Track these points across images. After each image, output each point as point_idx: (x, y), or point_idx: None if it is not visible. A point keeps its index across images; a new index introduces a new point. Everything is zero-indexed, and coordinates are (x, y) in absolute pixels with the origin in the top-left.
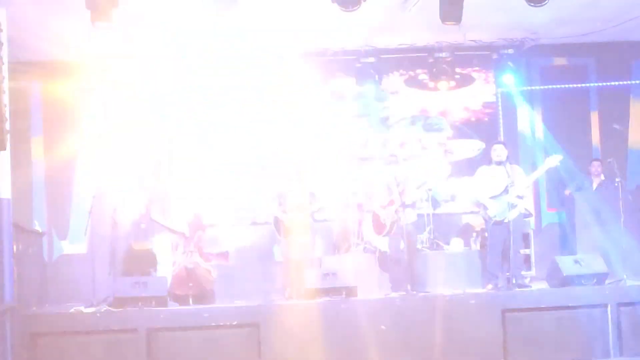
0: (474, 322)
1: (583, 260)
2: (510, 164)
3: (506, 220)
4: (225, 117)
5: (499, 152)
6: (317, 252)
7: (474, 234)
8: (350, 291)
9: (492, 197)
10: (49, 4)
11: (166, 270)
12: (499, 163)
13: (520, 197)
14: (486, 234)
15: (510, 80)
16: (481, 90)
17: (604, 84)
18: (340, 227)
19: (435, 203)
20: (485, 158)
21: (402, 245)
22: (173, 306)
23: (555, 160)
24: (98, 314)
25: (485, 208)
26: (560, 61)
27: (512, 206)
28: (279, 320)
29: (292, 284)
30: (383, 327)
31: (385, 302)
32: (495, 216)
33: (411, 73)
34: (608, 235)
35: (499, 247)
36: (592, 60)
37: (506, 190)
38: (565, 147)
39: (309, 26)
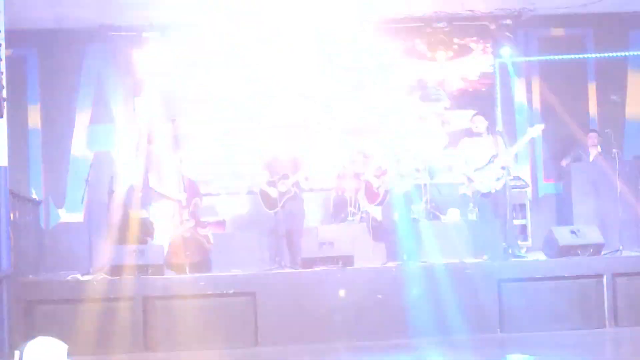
0: (470, 291)
1: (579, 231)
2: (493, 134)
3: (493, 191)
4: (221, 86)
5: (478, 123)
6: (312, 220)
7: (471, 204)
8: (346, 260)
9: (476, 170)
10: None
11: (163, 238)
12: (480, 134)
13: (504, 168)
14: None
15: (507, 51)
16: (479, 61)
17: (602, 55)
18: (337, 196)
19: (432, 173)
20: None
21: (396, 215)
22: (169, 274)
23: (537, 130)
24: (95, 282)
25: (470, 180)
26: (557, 32)
27: (497, 177)
28: (276, 289)
29: (283, 255)
30: (379, 296)
31: (381, 271)
32: (480, 188)
33: (409, 43)
34: (604, 206)
35: (489, 218)
36: (590, 31)
37: (490, 162)
38: (562, 118)
39: None
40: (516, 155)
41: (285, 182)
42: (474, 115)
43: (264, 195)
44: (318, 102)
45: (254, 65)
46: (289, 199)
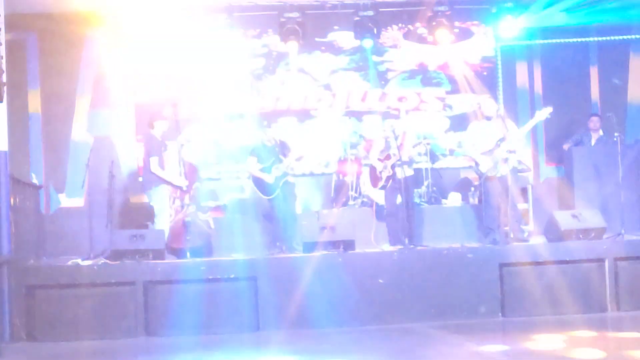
0: (472, 276)
1: (581, 215)
2: (502, 118)
3: (498, 175)
4: (223, 68)
5: (488, 106)
6: (315, 205)
7: (472, 188)
8: (348, 245)
9: (483, 153)
10: None
11: (163, 223)
12: (489, 118)
13: (511, 152)
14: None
15: (509, 34)
16: (480, 45)
17: (604, 38)
18: (338, 180)
19: (433, 157)
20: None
21: (399, 199)
22: (170, 259)
23: (545, 113)
24: (95, 267)
25: (477, 164)
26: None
27: (504, 161)
28: (277, 274)
29: (283, 239)
30: (381, 280)
31: (382, 255)
32: (487, 171)
33: (410, 27)
34: (606, 190)
35: (493, 201)
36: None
37: (497, 145)
38: (564, 102)
39: None
40: (532, 140)
41: (279, 167)
42: (484, 99)
43: (258, 181)
44: (318, 81)
45: (253, 43)
46: (285, 183)
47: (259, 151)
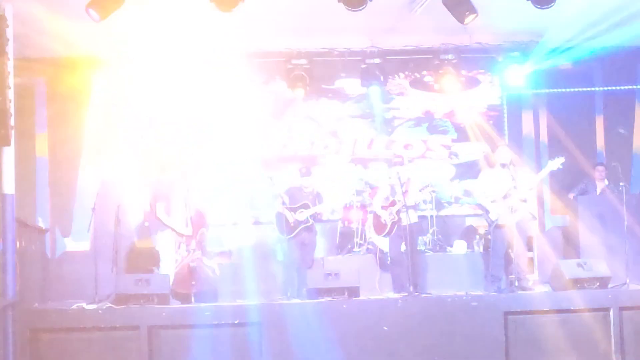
0: (476, 324)
1: (586, 264)
2: (515, 166)
3: (508, 224)
4: (230, 115)
5: (504, 154)
6: (320, 252)
7: (477, 236)
8: (352, 291)
9: (494, 201)
10: (55, 0)
11: (169, 268)
12: (503, 165)
13: (523, 201)
14: (489, 237)
15: (515, 83)
16: (486, 93)
17: (609, 88)
18: (343, 227)
19: (439, 205)
20: (489, 161)
21: (403, 246)
22: (175, 304)
23: (557, 163)
24: (100, 311)
25: (487, 212)
26: (565, 65)
27: (514, 209)
28: (281, 320)
29: (293, 284)
30: (385, 327)
31: (387, 302)
32: (497, 219)
33: (416, 75)
34: (611, 239)
35: (502, 250)
36: (598, 64)
37: (509, 194)
38: (569, 151)
39: (314, 26)
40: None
41: (304, 212)
42: (499, 146)
43: (281, 219)
44: (325, 127)
45: (260, 90)
46: (304, 229)
47: (293, 192)
